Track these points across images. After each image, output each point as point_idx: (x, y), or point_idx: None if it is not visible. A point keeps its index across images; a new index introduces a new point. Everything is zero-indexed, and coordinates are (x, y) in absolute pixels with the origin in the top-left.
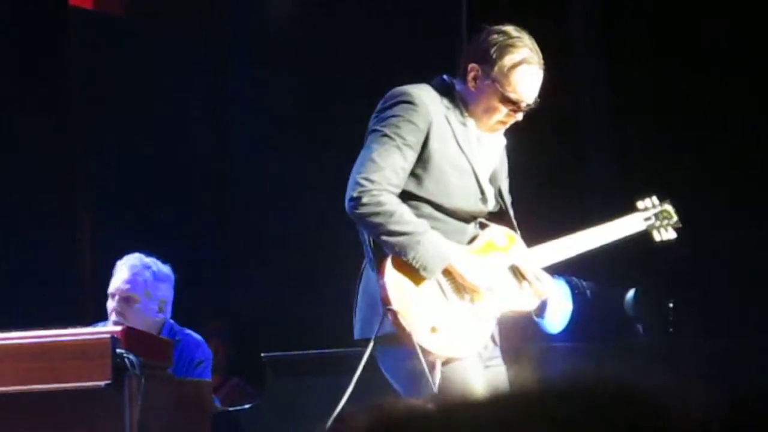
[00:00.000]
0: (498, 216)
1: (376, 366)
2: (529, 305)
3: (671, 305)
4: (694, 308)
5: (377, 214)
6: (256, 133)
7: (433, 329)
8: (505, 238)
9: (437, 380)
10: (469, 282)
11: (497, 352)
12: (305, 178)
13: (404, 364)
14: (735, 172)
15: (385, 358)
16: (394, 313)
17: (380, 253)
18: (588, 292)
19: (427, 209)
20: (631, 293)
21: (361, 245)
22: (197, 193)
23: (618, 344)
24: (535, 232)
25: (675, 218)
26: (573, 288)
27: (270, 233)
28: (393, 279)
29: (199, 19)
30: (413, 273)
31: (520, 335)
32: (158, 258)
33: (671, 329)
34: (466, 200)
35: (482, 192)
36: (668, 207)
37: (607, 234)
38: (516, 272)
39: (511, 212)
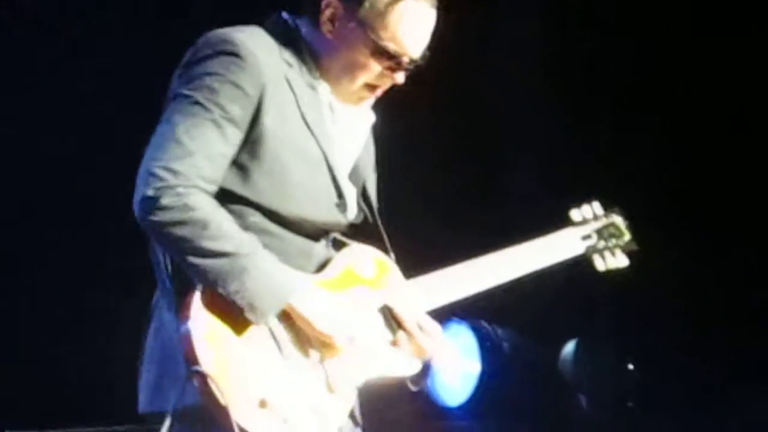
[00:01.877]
0: (362, 230)
1: None
2: (407, 368)
3: (631, 367)
4: (665, 372)
5: (182, 223)
6: None
7: (263, 403)
8: (372, 265)
9: None
10: (319, 330)
11: None
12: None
13: None
14: (695, 184)
15: None
16: (204, 377)
17: (184, 283)
18: (505, 344)
19: (256, 218)
20: (569, 348)
21: (152, 271)
22: None
23: (549, 423)
24: (420, 256)
25: (627, 236)
26: (482, 339)
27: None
28: (203, 324)
29: None
30: (234, 316)
31: (395, 411)
32: None
33: (630, 403)
34: (315, 205)
35: (339, 193)
36: (617, 219)
37: (527, 260)
38: (389, 317)
39: (381, 224)
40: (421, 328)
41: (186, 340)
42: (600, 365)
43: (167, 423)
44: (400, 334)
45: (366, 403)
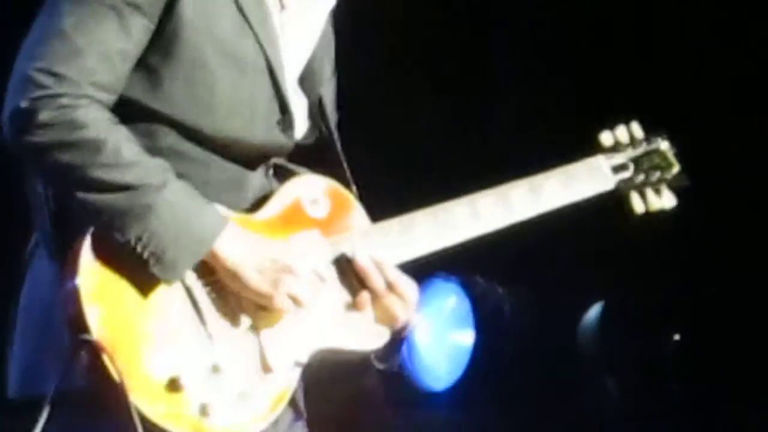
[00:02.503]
0: (315, 154)
1: None
2: (371, 339)
3: (677, 338)
4: (720, 345)
5: (67, 145)
6: None
7: (173, 385)
8: (327, 202)
9: None
10: (251, 288)
11: (300, 429)
12: None
13: None
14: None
15: None
16: (94, 350)
17: (71, 226)
18: (507, 308)
19: (170, 138)
20: (593, 313)
21: (27, 208)
22: None
23: (565, 413)
24: (394, 190)
25: (675, 168)
26: (477, 302)
27: None
28: (95, 280)
29: None
30: (138, 269)
31: (354, 398)
32: None
33: (675, 389)
34: (250, 121)
35: (283, 106)
36: (662, 146)
37: (538, 198)
38: (348, 271)
39: (341, 146)
40: (391, 286)
41: (71, 301)
42: (633, 336)
43: (45, 412)
44: (363, 294)
45: (312, 387)
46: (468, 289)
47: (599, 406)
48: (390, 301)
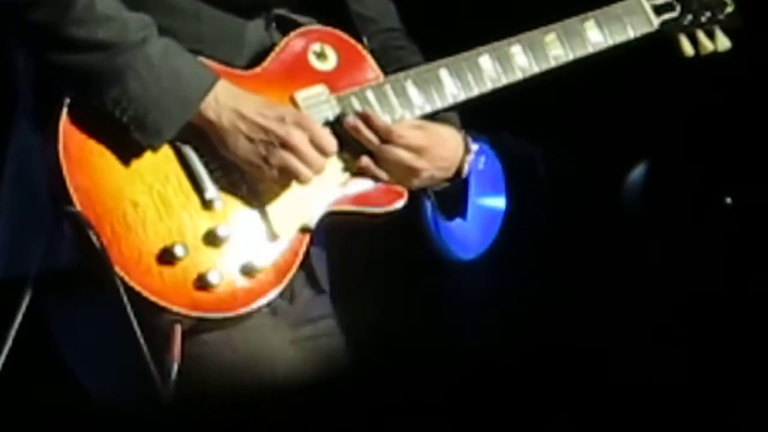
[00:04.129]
0: (320, 7)
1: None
2: (387, 199)
3: (728, 201)
4: None
5: (35, 2)
6: None
7: (166, 256)
8: (333, 53)
9: (174, 367)
10: (242, 158)
11: (321, 306)
12: None
13: (98, 330)
14: None
15: (58, 317)
16: (78, 222)
17: (51, 96)
18: (542, 169)
19: None
20: (638, 173)
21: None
22: None
23: (605, 280)
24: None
25: (729, 7)
26: (509, 162)
27: None
28: (76, 149)
29: None
30: (121, 136)
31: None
32: None
33: (724, 255)
34: None
35: None
36: None
37: (573, 42)
38: (358, 128)
39: None
40: (387, 138)
41: (51, 172)
42: (681, 199)
43: (28, 294)
44: (363, 156)
45: (334, 261)
46: (498, 148)
47: (643, 273)
48: (396, 154)
